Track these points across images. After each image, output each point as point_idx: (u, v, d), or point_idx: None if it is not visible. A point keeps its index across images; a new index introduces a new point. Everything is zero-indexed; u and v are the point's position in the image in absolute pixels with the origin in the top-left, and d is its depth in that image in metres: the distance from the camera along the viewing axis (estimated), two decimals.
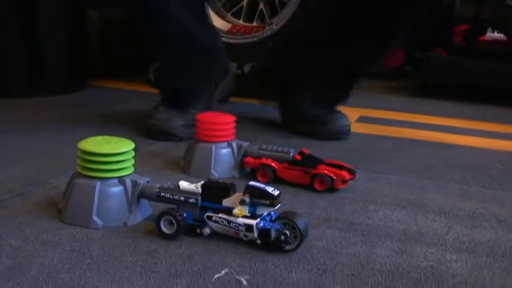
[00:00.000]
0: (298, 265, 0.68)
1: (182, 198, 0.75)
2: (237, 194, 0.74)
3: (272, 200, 0.71)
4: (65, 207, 0.78)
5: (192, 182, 0.78)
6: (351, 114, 1.53)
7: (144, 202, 0.80)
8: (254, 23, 1.89)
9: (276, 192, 0.72)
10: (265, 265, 0.68)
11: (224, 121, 1.02)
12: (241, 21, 1.85)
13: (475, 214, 0.90)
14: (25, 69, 1.70)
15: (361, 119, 1.63)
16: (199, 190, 0.75)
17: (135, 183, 0.77)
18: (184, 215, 0.73)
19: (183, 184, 0.77)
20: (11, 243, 0.70)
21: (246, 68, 1.76)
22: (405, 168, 1.14)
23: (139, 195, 0.78)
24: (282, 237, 0.70)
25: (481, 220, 0.87)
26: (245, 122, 1.50)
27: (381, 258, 0.72)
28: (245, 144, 1.04)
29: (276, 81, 1.47)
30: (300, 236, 0.71)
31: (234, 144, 1.03)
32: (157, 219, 0.74)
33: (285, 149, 1.02)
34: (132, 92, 1.93)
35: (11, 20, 1.66)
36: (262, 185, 0.72)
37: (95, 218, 0.76)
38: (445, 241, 0.78)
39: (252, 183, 0.73)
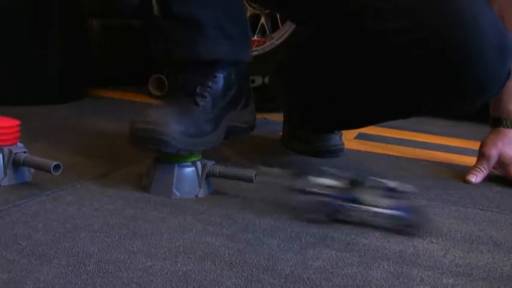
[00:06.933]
0: (294, 285, 0.68)
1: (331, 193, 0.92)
2: (370, 188, 0.91)
3: (397, 193, 0.90)
4: (150, 184, 0.97)
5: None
6: (350, 130, 1.53)
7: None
8: (255, 37, 1.90)
9: (403, 188, 0.91)
10: (261, 284, 0.68)
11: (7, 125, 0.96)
12: None
13: (472, 237, 0.89)
14: (23, 77, 1.70)
15: (360, 136, 1.64)
16: (343, 185, 0.92)
17: (204, 165, 0.98)
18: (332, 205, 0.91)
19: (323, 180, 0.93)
20: (6, 256, 0.70)
21: (266, 79, 1.77)
22: None
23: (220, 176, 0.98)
24: (404, 225, 0.88)
25: (477, 243, 0.87)
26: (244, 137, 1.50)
27: (377, 281, 0.71)
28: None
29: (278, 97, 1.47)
30: (418, 227, 0.89)
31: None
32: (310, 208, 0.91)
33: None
34: (131, 102, 1.93)
35: (13, 27, 1.67)
36: (390, 182, 0.91)
37: (174, 190, 0.96)
38: (441, 264, 0.78)
39: (383, 180, 0.92)
